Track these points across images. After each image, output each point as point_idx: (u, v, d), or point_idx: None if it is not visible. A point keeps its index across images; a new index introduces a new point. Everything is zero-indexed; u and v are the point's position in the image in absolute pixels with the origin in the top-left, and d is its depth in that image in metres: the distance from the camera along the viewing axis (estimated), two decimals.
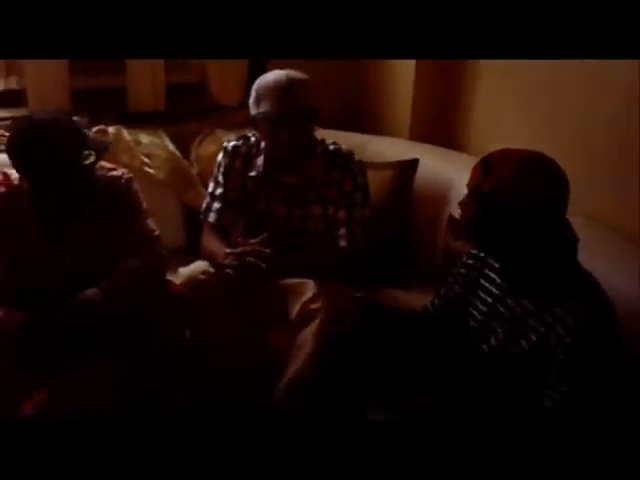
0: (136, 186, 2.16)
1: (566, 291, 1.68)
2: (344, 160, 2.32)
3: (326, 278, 2.18)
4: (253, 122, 2.25)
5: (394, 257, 2.59)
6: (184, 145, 2.92)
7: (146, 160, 2.73)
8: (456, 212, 1.82)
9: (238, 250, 2.13)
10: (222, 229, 2.36)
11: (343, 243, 2.29)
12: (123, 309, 2.03)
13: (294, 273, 2.20)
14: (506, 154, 1.69)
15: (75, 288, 2.01)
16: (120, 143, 2.70)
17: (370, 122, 3.14)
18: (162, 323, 2.05)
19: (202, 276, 2.21)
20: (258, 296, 2.21)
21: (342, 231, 2.29)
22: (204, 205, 2.42)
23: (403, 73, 2.96)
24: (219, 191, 2.37)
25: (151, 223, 2.17)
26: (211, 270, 2.22)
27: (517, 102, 2.62)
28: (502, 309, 1.79)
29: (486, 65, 2.72)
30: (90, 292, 2.02)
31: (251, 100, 2.22)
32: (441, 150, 2.75)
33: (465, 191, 1.74)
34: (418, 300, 2.12)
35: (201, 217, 2.43)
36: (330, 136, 2.54)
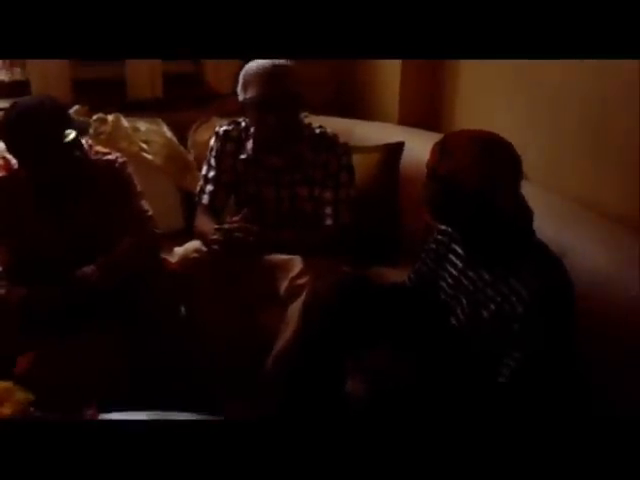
0: (130, 169, 2.28)
1: (521, 262, 1.77)
2: (329, 142, 2.42)
3: (313, 255, 2.29)
4: (241, 107, 2.36)
5: (381, 236, 2.70)
6: (181, 132, 3.04)
7: (144, 146, 2.85)
8: None
9: (225, 227, 2.25)
10: (215, 210, 2.47)
11: (329, 222, 2.39)
12: (118, 285, 2.16)
13: (281, 250, 2.31)
14: (461, 136, 1.78)
15: (73, 266, 2.14)
16: (119, 130, 2.82)
17: (362, 109, 3.25)
18: (156, 298, 2.17)
19: (194, 254, 2.32)
20: (248, 273, 2.33)
21: (328, 210, 2.40)
22: (198, 187, 2.53)
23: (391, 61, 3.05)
24: (211, 174, 2.48)
25: (144, 204, 2.29)
26: (203, 249, 2.33)
27: (500, 86, 2.71)
28: (465, 281, 1.89)
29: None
30: (87, 269, 2.15)
31: (239, 86, 2.34)
32: (427, 134, 2.83)
33: None
34: (404, 277, 2.22)
35: (195, 199, 2.55)
36: (320, 121, 2.65)
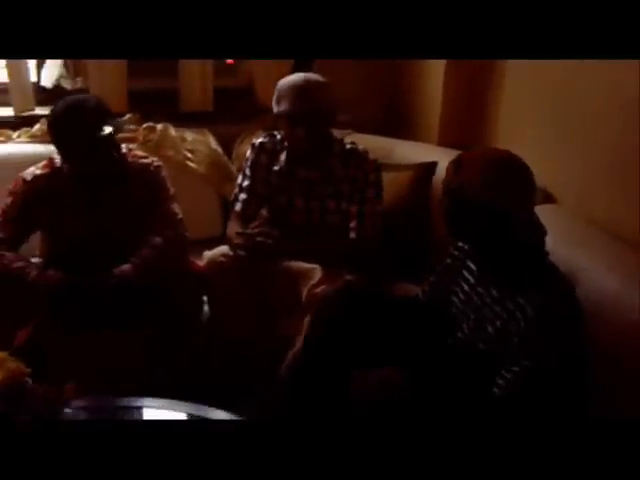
0: (164, 173, 2.41)
1: (529, 281, 1.80)
2: (358, 158, 2.50)
3: (334, 266, 2.36)
4: (275, 120, 2.46)
5: (412, 252, 2.74)
6: (228, 144, 3.17)
7: (189, 155, 2.99)
8: None
9: (247, 232, 2.34)
10: (247, 218, 2.56)
11: (353, 235, 2.46)
12: (148, 282, 2.28)
13: (304, 258, 2.39)
14: (474, 154, 1.84)
15: (103, 261, 2.27)
16: (166, 139, 2.97)
17: (407, 130, 3.31)
18: (180, 297, 2.28)
19: (221, 258, 2.42)
20: (271, 279, 2.41)
21: (353, 224, 2.47)
22: (233, 195, 2.64)
23: (432, 84, 3.11)
24: (245, 183, 2.59)
25: (176, 207, 2.41)
26: (230, 254, 2.43)
27: (542, 113, 2.71)
28: (475, 297, 1.93)
29: (512, 66, 2.82)
30: (125, 267, 2.28)
31: (274, 100, 2.44)
32: None
33: None
34: None
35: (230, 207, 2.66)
36: (362, 139, 2.75)
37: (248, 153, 2.61)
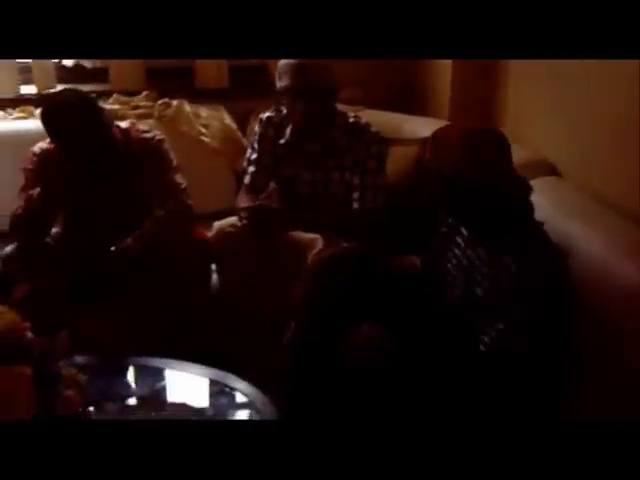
0: (167, 145, 2.51)
1: (514, 239, 1.86)
2: (361, 131, 2.56)
3: (336, 236, 2.43)
4: (277, 95, 2.54)
5: (416, 225, 2.80)
6: (243, 120, 3.25)
7: (203, 130, 3.08)
8: None
9: (253, 204, 2.43)
10: (255, 190, 2.64)
11: (355, 206, 2.53)
12: (153, 252, 2.38)
13: (307, 229, 2.47)
14: (446, 130, 1.91)
15: (113, 235, 2.38)
16: (181, 114, 3.06)
17: (418, 106, 3.35)
18: (187, 264, 2.38)
19: (229, 228, 2.52)
20: (276, 249, 2.49)
21: (355, 195, 2.54)
22: (242, 168, 2.73)
23: (443, 61, 3.15)
24: (254, 156, 2.67)
25: (179, 177, 2.51)
26: (238, 224, 2.52)
27: (550, 88, 2.74)
28: (465, 261, 1.99)
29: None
30: (126, 242, 2.38)
31: (276, 76, 2.52)
32: None
33: None
34: None
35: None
36: (371, 115, 2.81)
37: (256, 127, 2.69)
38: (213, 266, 2.58)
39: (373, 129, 2.58)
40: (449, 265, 2.07)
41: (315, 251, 2.38)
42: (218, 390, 2.04)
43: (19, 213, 2.39)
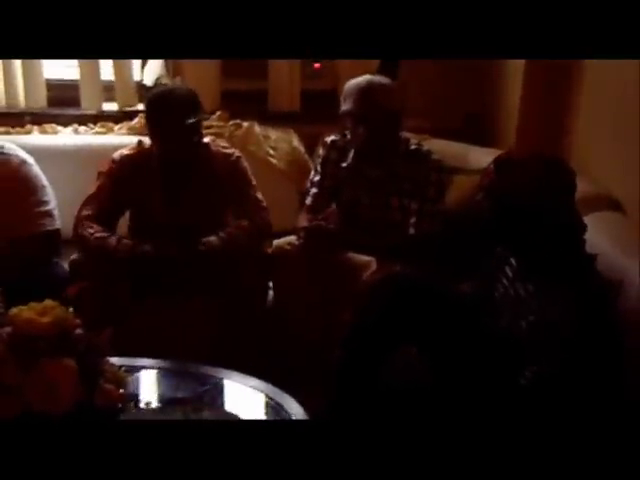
0: (245, 164, 2.62)
1: (564, 276, 1.84)
2: (422, 158, 2.60)
3: (391, 260, 2.46)
4: (341, 118, 2.60)
5: (467, 253, 2.79)
6: (311, 144, 3.32)
7: (271, 152, 3.18)
8: None
9: (311, 224, 2.49)
10: (315, 211, 2.70)
11: (411, 231, 2.56)
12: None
13: (363, 251, 2.50)
14: (517, 157, 1.90)
15: (178, 239, 2.46)
16: (251, 135, 3.17)
17: (484, 136, 3.36)
18: (251, 276, 2.48)
19: (287, 246, 2.58)
20: (331, 268, 2.54)
21: (412, 220, 2.56)
22: (305, 190, 2.80)
23: (511, 92, 3.15)
24: (316, 178, 2.74)
25: (259, 195, 2.62)
26: (296, 242, 2.59)
27: (619, 114, 2.70)
28: (512, 292, 1.98)
29: (591, 68, 2.81)
30: (211, 238, 2.47)
31: (341, 99, 2.58)
32: None
33: None
34: None
35: None
36: (436, 144, 2.85)
37: (320, 150, 2.76)
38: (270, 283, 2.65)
39: (434, 157, 2.61)
40: (495, 294, 2.06)
41: (369, 273, 2.42)
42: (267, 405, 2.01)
43: (88, 214, 2.50)
